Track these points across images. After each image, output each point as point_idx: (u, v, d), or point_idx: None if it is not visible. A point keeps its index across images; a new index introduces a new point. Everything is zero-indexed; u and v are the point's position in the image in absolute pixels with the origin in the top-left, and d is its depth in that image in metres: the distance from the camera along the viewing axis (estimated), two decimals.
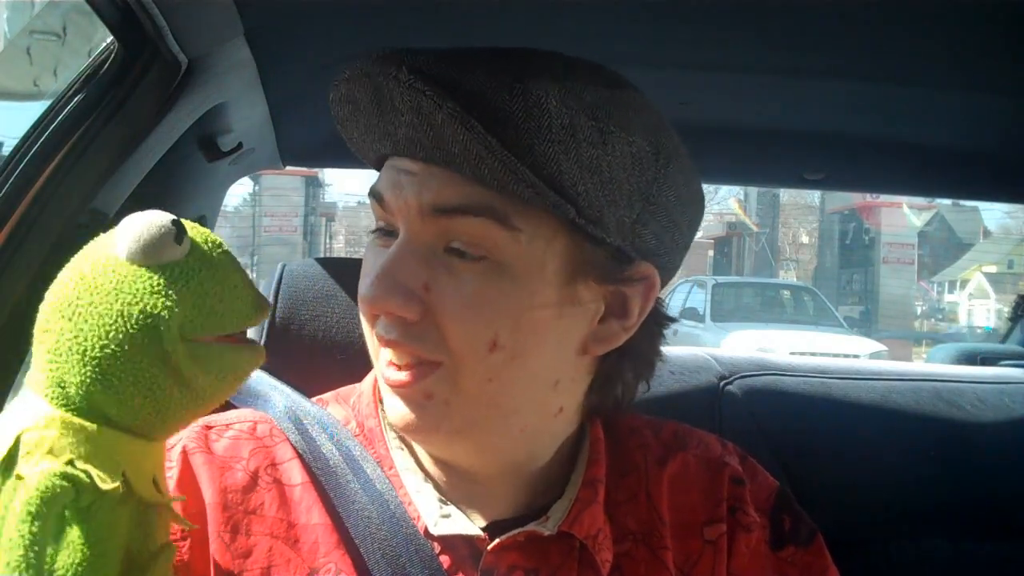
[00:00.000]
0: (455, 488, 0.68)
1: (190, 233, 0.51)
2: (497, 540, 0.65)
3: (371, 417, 0.71)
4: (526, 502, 0.69)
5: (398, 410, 0.63)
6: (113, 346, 0.47)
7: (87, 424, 0.48)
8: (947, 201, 22.05)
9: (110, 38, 0.92)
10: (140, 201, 1.02)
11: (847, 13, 0.93)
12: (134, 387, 0.48)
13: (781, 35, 1.02)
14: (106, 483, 0.46)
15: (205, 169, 1.25)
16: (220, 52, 0.99)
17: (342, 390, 0.77)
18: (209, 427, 0.70)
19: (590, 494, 0.69)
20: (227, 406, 0.76)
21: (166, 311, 0.48)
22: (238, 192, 20.98)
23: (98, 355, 0.47)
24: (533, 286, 0.60)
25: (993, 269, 25.05)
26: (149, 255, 0.48)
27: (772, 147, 1.48)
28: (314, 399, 0.75)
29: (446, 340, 0.60)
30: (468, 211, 0.58)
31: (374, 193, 0.64)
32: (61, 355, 0.48)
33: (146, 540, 0.50)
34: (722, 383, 1.26)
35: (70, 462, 0.46)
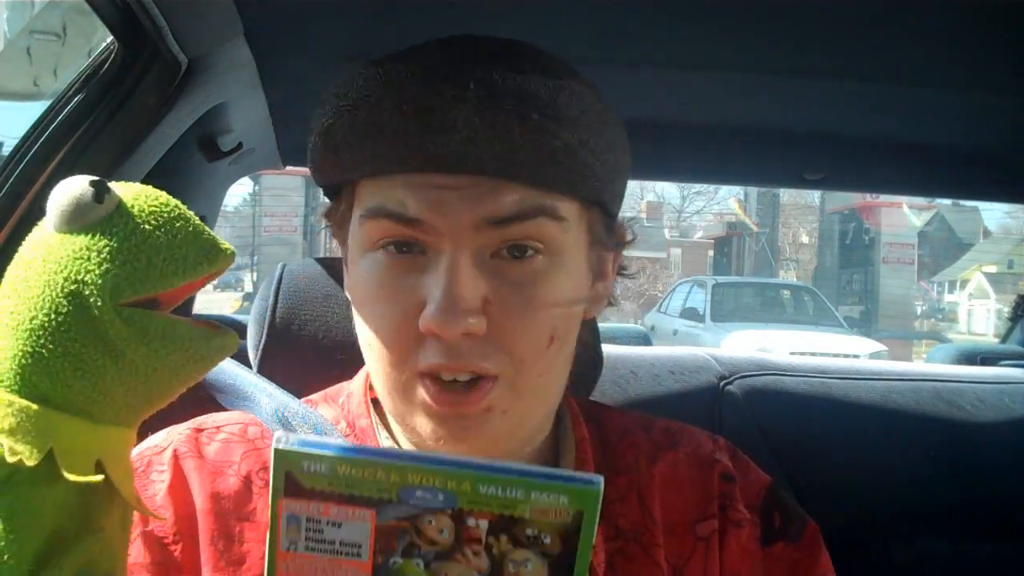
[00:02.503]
0: None
1: (120, 191, 0.49)
2: None
3: (362, 417, 0.71)
4: None
5: (444, 430, 0.61)
6: (41, 316, 0.46)
7: (14, 399, 0.47)
8: (947, 201, 22.08)
9: (110, 38, 0.92)
10: None
11: (847, 13, 0.93)
12: (63, 359, 0.47)
13: (781, 35, 1.02)
14: (15, 456, 0.45)
15: (205, 169, 1.25)
16: (220, 52, 0.99)
17: (330, 390, 0.76)
18: (200, 430, 0.69)
19: None
20: (218, 409, 0.76)
21: (91, 273, 0.46)
22: (238, 192, 21.09)
23: (28, 327, 0.46)
24: (577, 270, 0.62)
25: (993, 269, 25.04)
26: (71, 220, 0.47)
27: (772, 147, 1.48)
28: (302, 400, 0.74)
29: (511, 348, 0.59)
30: (527, 215, 0.58)
31: (395, 215, 0.58)
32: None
33: (86, 524, 0.48)
34: (722, 383, 1.27)
35: None
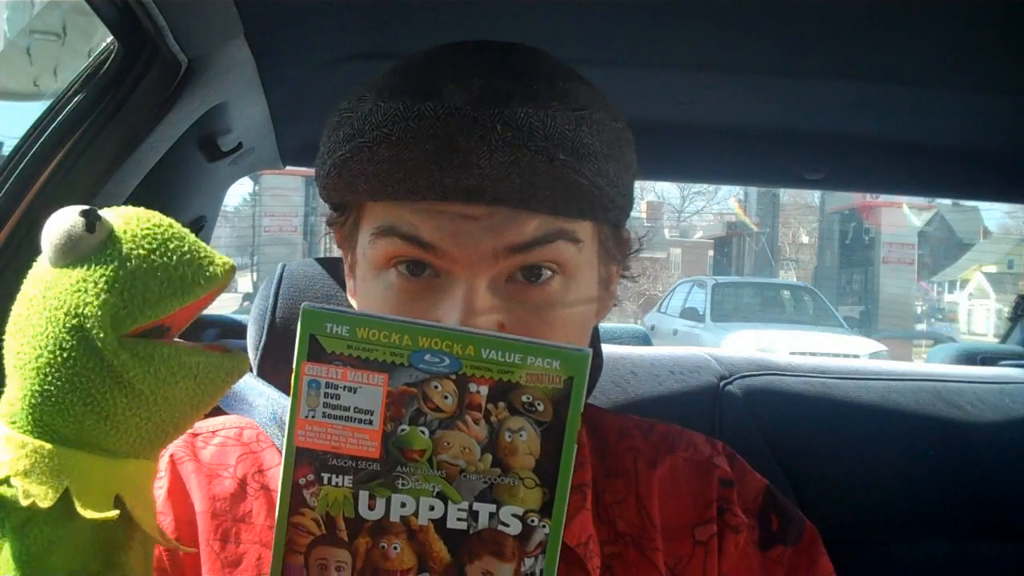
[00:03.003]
0: None
1: (111, 216, 0.48)
2: None
3: None
4: None
5: None
6: (46, 354, 0.46)
7: (28, 440, 0.46)
8: (947, 201, 22.02)
9: (110, 38, 0.92)
10: (140, 201, 1.02)
11: (847, 13, 0.93)
12: (72, 395, 0.46)
13: (781, 35, 1.02)
14: (29, 499, 0.44)
15: (205, 169, 1.25)
16: (220, 52, 0.99)
17: None
18: (195, 434, 0.70)
19: (579, 500, 0.68)
20: (215, 412, 0.76)
21: (90, 306, 0.45)
22: (238, 192, 20.99)
23: (35, 366, 0.46)
24: (589, 287, 0.63)
25: (993, 269, 25.02)
26: (66, 253, 0.46)
27: (772, 147, 1.48)
28: None
29: None
30: (546, 240, 0.58)
31: (407, 236, 0.58)
32: (9, 374, 0.47)
33: (106, 561, 0.48)
34: (722, 383, 1.27)
35: (6, 480, 0.45)
